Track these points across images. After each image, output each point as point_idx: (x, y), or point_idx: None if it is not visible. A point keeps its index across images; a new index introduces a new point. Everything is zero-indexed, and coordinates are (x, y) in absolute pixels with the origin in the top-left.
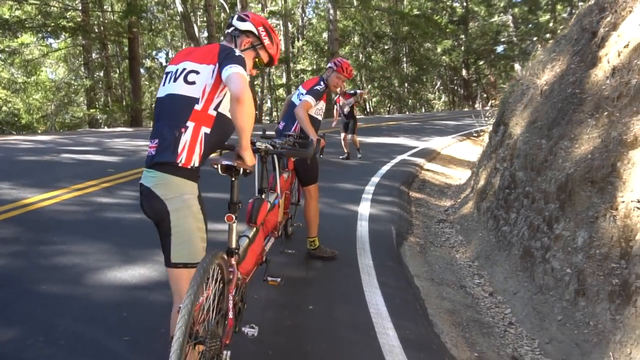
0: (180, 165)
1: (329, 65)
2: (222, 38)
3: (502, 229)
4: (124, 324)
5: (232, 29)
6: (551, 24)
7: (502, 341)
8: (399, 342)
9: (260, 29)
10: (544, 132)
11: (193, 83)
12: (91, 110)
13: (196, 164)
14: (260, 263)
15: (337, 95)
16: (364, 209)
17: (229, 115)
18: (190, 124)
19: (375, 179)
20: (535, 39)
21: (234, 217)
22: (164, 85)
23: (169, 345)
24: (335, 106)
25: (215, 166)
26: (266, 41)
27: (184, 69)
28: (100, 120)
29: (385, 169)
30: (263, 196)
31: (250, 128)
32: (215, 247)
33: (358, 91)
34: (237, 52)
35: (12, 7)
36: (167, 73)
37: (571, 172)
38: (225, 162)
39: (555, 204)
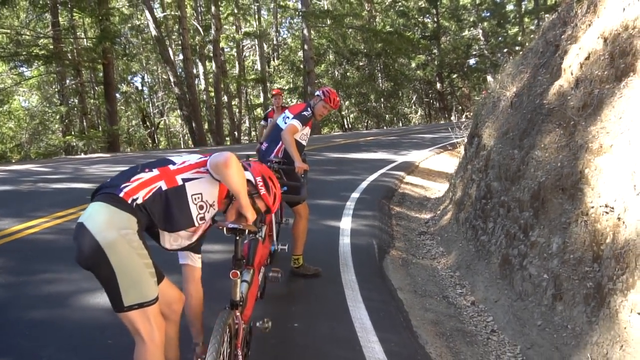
0: (120, 195)
1: (317, 93)
2: (198, 61)
3: (481, 239)
4: (109, 350)
5: None
6: (520, 37)
7: (485, 349)
8: (385, 355)
9: (259, 179)
10: (515, 142)
11: (180, 156)
12: (67, 137)
13: (138, 201)
14: (256, 299)
15: (270, 109)
16: (346, 224)
17: (189, 200)
18: (155, 171)
19: (355, 195)
20: (505, 50)
21: (239, 273)
22: None
23: None
24: (262, 122)
25: (221, 227)
26: (262, 191)
27: None
28: (77, 147)
29: (365, 184)
30: (257, 235)
31: (244, 189)
32: (207, 267)
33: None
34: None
35: None
36: None
37: (543, 180)
38: (231, 226)
39: (529, 212)
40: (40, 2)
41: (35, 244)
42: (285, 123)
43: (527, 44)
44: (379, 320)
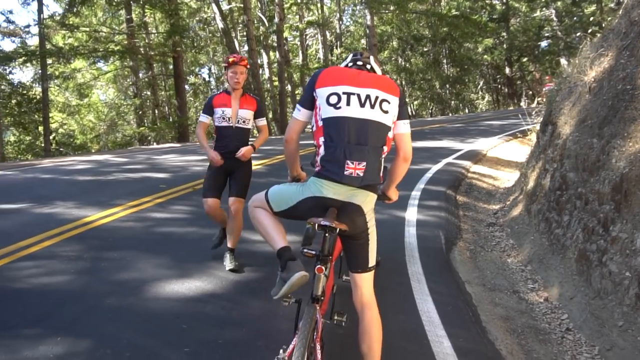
0: (379, 184)
1: None
2: (262, 51)
3: (555, 232)
4: (184, 335)
5: (369, 67)
6: (597, 16)
7: (560, 348)
8: (453, 350)
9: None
10: (594, 130)
11: (387, 112)
12: (140, 128)
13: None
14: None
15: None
16: (411, 214)
17: None
18: (385, 149)
19: (420, 184)
20: (579, 34)
21: (324, 268)
22: (348, 105)
23: None
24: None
25: (313, 223)
26: None
27: (377, 97)
28: (149, 138)
29: (430, 173)
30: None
31: None
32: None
33: None
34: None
35: (65, 36)
36: (347, 94)
37: (626, 171)
38: (323, 223)
39: (610, 205)
40: (115, 0)
41: (113, 232)
42: None
43: (606, 25)
44: (447, 314)
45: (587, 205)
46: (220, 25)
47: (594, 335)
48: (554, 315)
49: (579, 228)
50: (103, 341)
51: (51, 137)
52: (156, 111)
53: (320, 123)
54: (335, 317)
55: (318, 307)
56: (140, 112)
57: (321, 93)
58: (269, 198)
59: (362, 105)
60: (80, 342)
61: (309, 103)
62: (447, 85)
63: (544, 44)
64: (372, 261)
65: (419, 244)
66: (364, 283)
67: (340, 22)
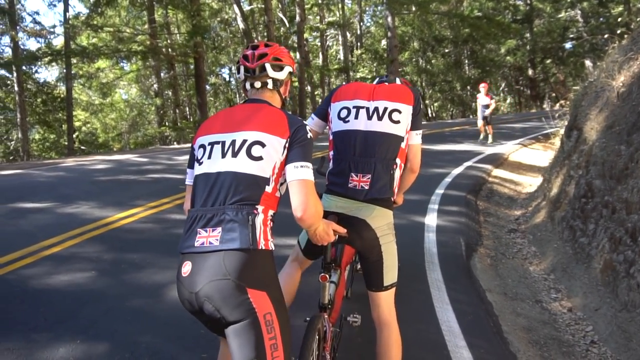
0: (389, 198)
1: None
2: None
3: (580, 241)
4: (202, 340)
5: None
6: (625, 17)
7: None
8: None
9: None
10: (622, 137)
11: (398, 122)
12: (162, 128)
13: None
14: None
15: None
16: (431, 220)
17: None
18: (398, 162)
19: (440, 189)
20: (605, 35)
21: (328, 276)
22: (356, 118)
23: None
24: None
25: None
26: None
27: (385, 108)
28: (170, 137)
29: (450, 177)
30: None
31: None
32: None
33: None
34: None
35: (89, 36)
36: (357, 107)
37: None
38: None
39: (639, 214)
40: (139, 0)
41: (133, 233)
42: None
43: (635, 26)
44: (468, 323)
45: (614, 214)
46: (242, 25)
47: (620, 349)
48: (578, 326)
49: (605, 237)
50: (122, 344)
51: (74, 136)
52: (177, 111)
53: (331, 137)
54: (350, 318)
55: (326, 316)
56: (161, 112)
57: (335, 107)
58: (299, 237)
59: (370, 117)
60: (100, 345)
61: (323, 114)
62: (469, 87)
63: (568, 45)
64: (388, 280)
65: (438, 250)
66: (382, 302)
67: (361, 23)
